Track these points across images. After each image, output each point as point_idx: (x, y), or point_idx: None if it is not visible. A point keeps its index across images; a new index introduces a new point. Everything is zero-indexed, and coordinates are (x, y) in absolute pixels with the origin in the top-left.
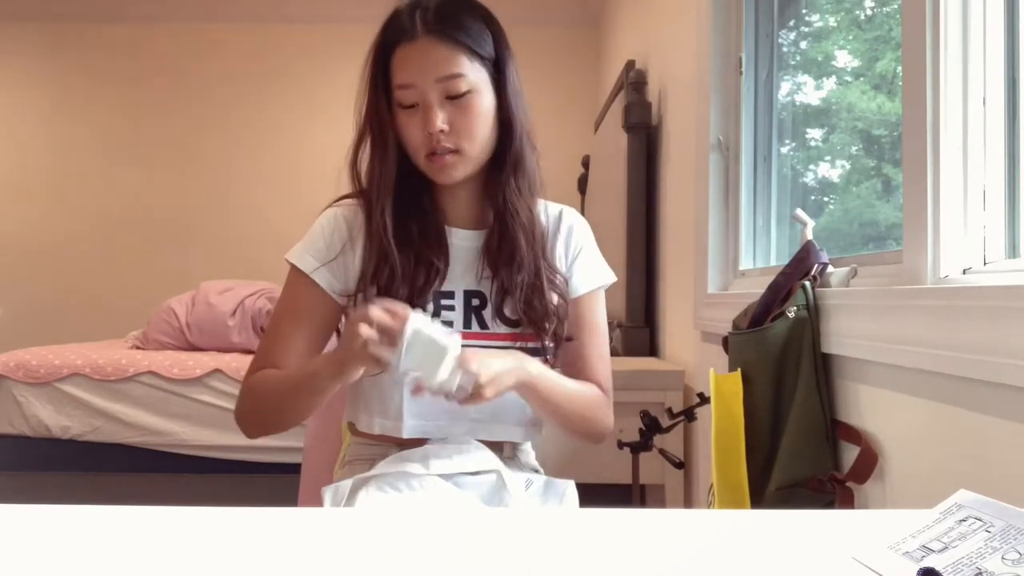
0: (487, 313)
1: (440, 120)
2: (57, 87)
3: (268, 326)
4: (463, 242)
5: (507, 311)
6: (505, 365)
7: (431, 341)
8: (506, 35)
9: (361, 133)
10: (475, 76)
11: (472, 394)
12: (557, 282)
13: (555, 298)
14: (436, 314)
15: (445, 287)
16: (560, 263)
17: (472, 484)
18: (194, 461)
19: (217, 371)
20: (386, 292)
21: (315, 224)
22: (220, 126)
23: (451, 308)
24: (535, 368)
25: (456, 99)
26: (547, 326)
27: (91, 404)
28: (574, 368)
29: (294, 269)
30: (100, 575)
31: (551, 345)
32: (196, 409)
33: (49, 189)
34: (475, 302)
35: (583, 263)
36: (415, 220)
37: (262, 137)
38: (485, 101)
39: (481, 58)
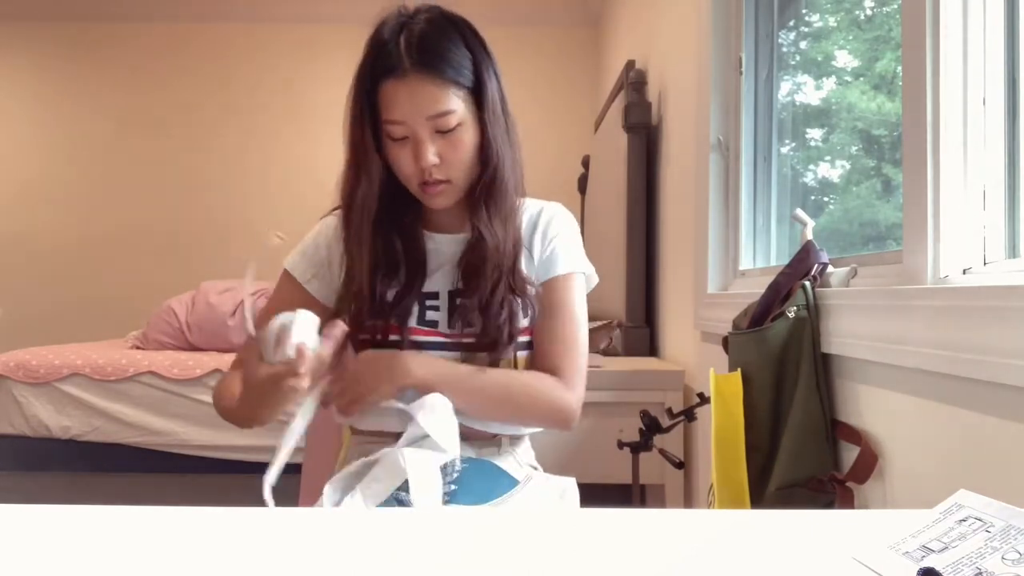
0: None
1: (432, 154)
2: (59, 87)
3: (259, 320)
4: (444, 247)
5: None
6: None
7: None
8: (485, 45)
9: (349, 162)
10: (462, 109)
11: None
12: (527, 294)
13: (519, 311)
14: (422, 315)
15: (429, 288)
16: (535, 252)
17: (464, 478)
18: (194, 461)
19: (217, 371)
20: (356, 318)
21: (312, 231)
22: (221, 126)
23: (436, 308)
24: (424, 371)
25: (446, 133)
26: (499, 342)
27: (91, 404)
28: (534, 352)
29: (286, 273)
30: (100, 575)
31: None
32: (196, 409)
33: (49, 189)
34: (459, 301)
35: (556, 248)
36: (398, 235)
37: (263, 137)
38: (472, 132)
39: (466, 88)
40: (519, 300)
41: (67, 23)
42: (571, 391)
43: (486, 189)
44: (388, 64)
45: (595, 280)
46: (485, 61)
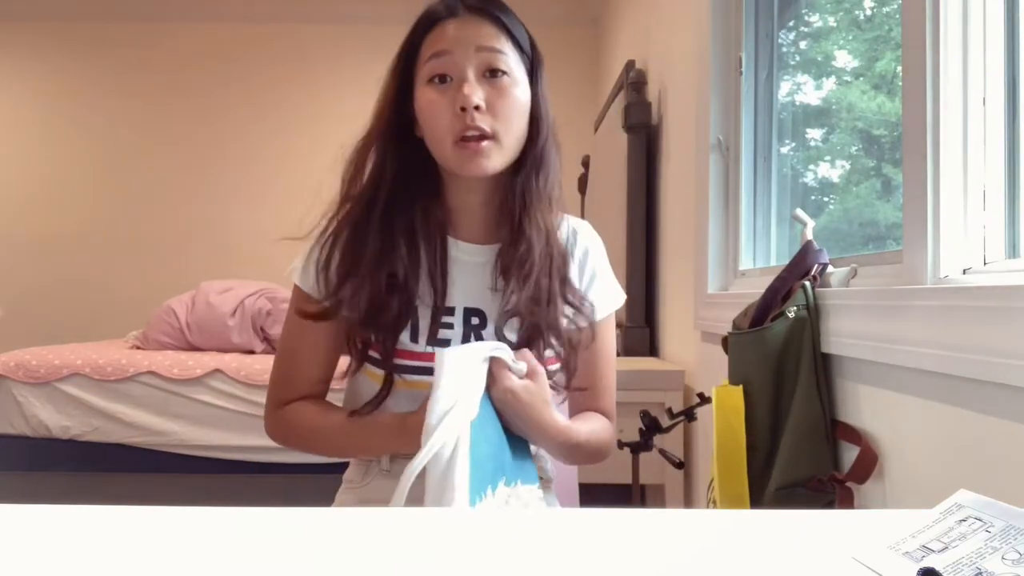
0: (487, 332)
1: (477, 96)
2: (57, 87)
3: (285, 343)
4: (468, 256)
5: (506, 331)
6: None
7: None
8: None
9: (368, 136)
10: (515, 63)
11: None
12: (580, 306)
13: (569, 322)
14: (433, 334)
15: (446, 303)
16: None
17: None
18: (194, 461)
19: (217, 371)
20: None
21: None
22: (221, 125)
23: (450, 326)
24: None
25: (494, 78)
26: (552, 348)
27: (91, 404)
28: (583, 393)
29: (297, 287)
30: (100, 575)
31: (559, 371)
32: (196, 409)
33: (49, 189)
34: (474, 320)
35: (597, 289)
36: (422, 238)
37: (263, 137)
38: (523, 91)
39: (521, 50)
40: (566, 310)
41: (67, 24)
42: (614, 432)
43: (537, 160)
44: (437, 13)
45: (623, 299)
46: (537, 47)
